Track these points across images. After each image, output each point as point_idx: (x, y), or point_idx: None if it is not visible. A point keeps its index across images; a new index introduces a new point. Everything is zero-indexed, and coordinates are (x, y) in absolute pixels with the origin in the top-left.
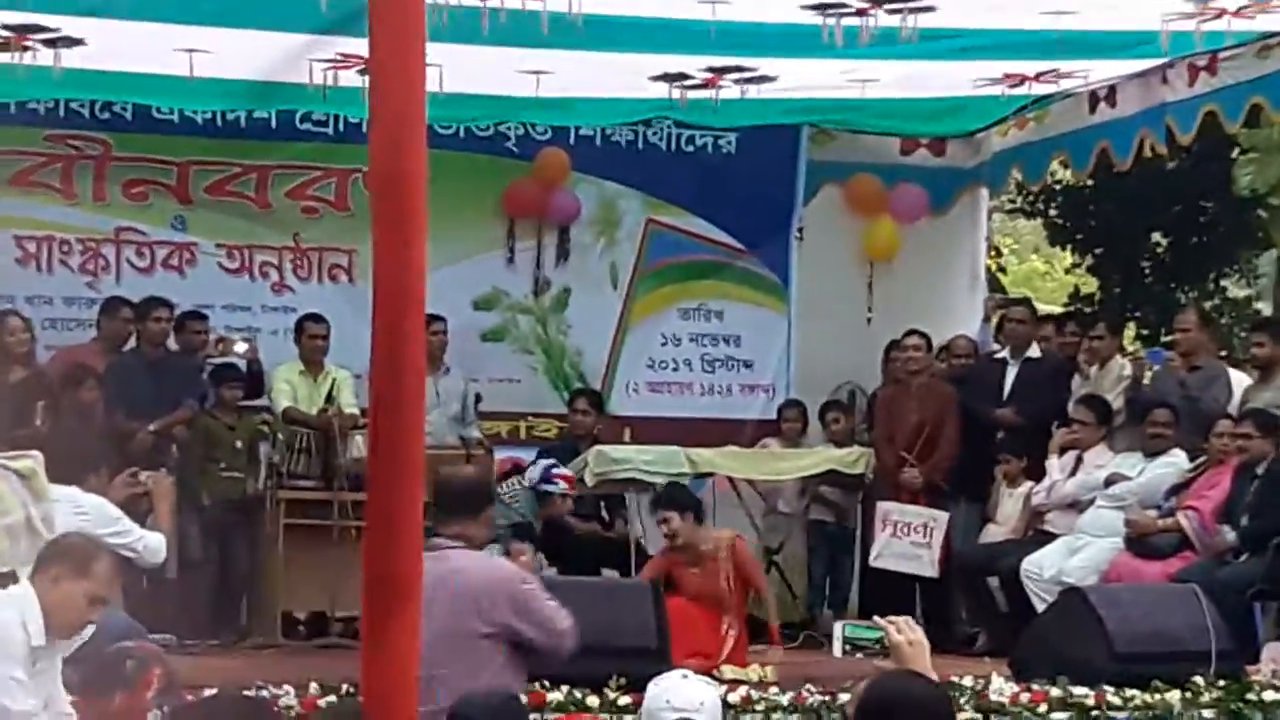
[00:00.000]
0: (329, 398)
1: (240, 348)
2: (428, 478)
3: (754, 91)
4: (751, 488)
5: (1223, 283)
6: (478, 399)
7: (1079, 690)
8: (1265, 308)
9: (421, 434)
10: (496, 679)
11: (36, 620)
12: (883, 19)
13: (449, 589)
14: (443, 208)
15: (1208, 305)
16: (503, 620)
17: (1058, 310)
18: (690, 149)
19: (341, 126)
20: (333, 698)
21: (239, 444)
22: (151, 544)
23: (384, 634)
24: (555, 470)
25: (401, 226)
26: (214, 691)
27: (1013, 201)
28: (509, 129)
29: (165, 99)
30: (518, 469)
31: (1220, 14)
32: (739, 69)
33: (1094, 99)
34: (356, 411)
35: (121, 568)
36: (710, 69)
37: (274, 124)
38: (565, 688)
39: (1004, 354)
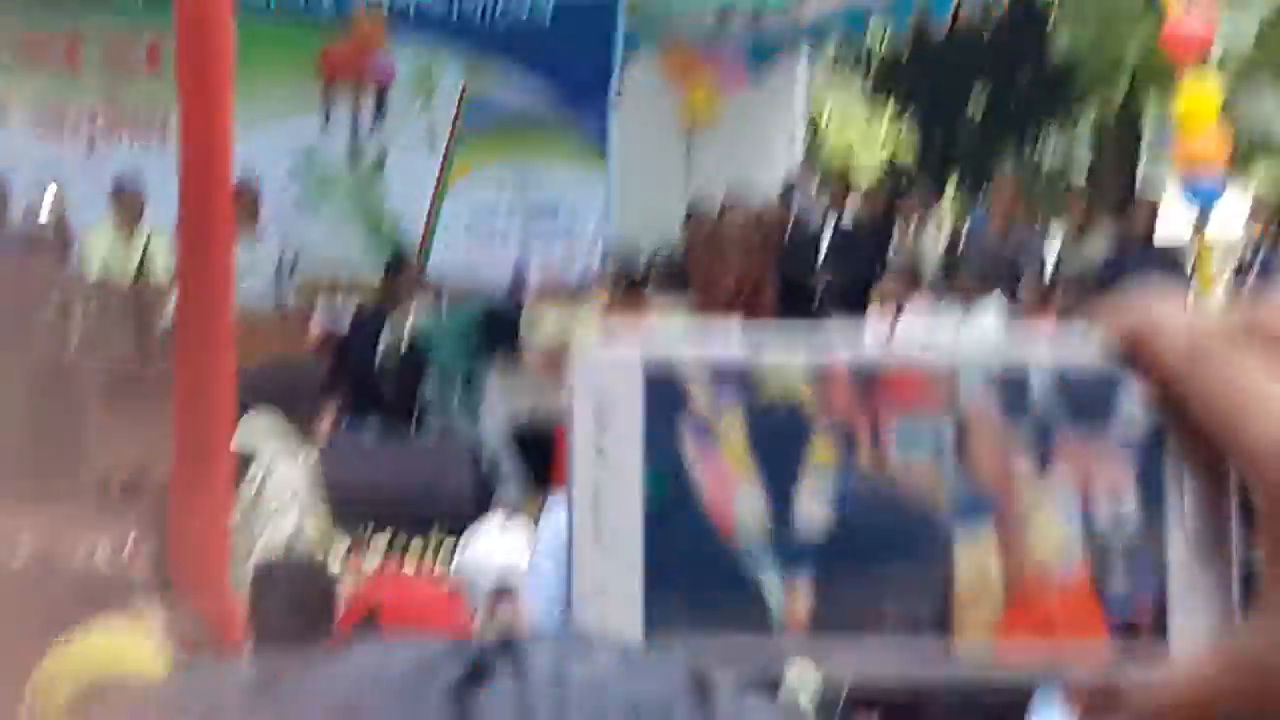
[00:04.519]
0: (142, 262)
1: (45, 213)
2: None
3: None
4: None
5: (1039, 145)
6: (294, 262)
7: None
8: (1080, 169)
9: (230, 297)
10: None
11: None
12: None
13: None
14: (256, 70)
15: (1025, 164)
16: None
17: (877, 173)
18: (507, 13)
19: None
20: (144, 560)
21: (52, 308)
22: None
23: (192, 496)
24: None
25: (208, 90)
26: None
27: (833, 67)
28: None
29: None
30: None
31: None
32: None
33: None
34: (171, 275)
35: None
36: None
37: None
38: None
39: (822, 217)
